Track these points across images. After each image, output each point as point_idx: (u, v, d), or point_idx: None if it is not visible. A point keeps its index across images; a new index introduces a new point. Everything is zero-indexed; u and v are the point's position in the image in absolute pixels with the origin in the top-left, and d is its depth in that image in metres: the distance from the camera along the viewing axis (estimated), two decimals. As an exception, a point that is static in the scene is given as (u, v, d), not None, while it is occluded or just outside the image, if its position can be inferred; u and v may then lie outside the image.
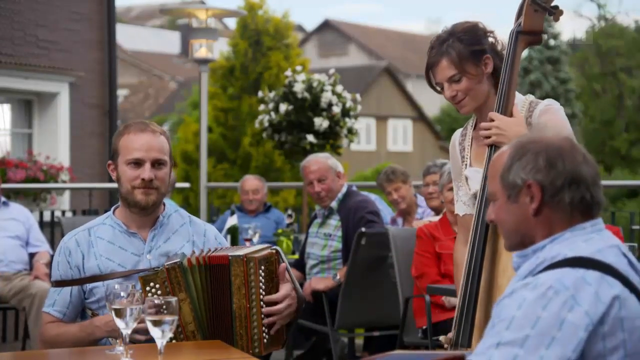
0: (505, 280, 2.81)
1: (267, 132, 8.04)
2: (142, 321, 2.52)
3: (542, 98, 3.04)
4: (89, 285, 3.11)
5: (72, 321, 3.17)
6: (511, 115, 2.92)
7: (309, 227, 5.91)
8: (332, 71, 8.18)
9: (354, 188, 5.94)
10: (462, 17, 3.12)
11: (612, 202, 19.01)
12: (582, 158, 2.06)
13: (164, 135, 3.16)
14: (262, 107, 8.18)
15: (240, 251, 3.00)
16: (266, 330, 3.01)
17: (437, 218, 5.18)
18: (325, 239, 5.68)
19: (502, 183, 2.10)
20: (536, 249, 2.08)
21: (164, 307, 2.43)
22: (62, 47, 9.41)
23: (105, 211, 3.38)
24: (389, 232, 5.14)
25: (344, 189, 5.72)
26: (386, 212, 6.46)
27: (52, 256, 6.18)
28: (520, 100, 3.00)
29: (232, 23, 32.19)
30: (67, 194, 9.25)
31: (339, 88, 7.97)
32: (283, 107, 7.83)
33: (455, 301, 2.96)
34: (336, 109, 7.85)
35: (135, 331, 2.69)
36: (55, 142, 9.32)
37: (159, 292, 2.93)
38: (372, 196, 6.36)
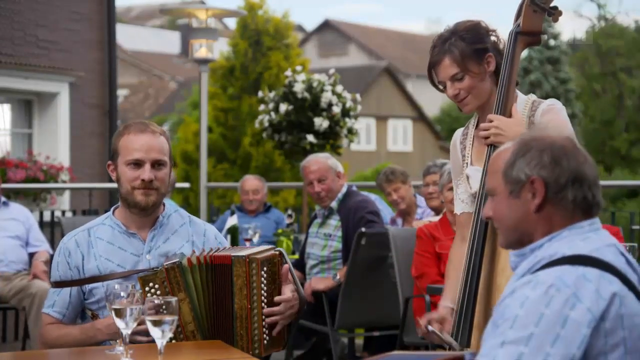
0: (504, 280, 2.81)
1: (267, 132, 8.04)
2: (142, 322, 2.52)
3: (543, 98, 3.05)
4: (88, 286, 3.11)
5: (72, 322, 3.17)
6: (510, 116, 2.93)
7: (309, 227, 5.91)
8: (332, 71, 8.18)
9: (354, 188, 5.94)
10: (462, 17, 3.13)
11: (612, 202, 19.01)
12: (583, 158, 2.08)
13: (164, 136, 3.16)
14: (262, 107, 8.18)
15: (243, 252, 2.99)
16: (267, 332, 3.00)
17: (437, 218, 5.18)
18: (325, 239, 5.68)
19: (505, 178, 2.10)
20: (534, 248, 2.09)
21: (164, 307, 2.43)
22: (62, 47, 9.41)
23: (105, 211, 3.38)
24: (389, 232, 5.14)
25: (344, 189, 5.72)
26: (386, 212, 6.46)
27: (51, 256, 6.19)
28: (523, 100, 3.01)
29: (232, 23, 32.21)
30: (67, 194, 9.25)
31: (339, 88, 7.97)
32: (283, 107, 7.83)
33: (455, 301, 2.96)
34: (336, 109, 7.85)
35: (135, 332, 2.69)
36: (55, 142, 9.33)
37: (158, 292, 2.93)
38: (372, 196, 6.36)
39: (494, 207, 2.15)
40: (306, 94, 7.83)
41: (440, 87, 3.06)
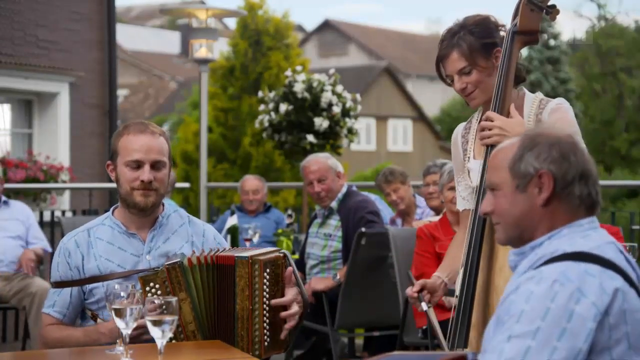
0: (502, 280, 2.81)
1: (267, 132, 8.04)
2: (142, 325, 2.51)
3: (545, 98, 3.06)
4: (88, 286, 3.11)
5: (72, 322, 3.16)
6: (508, 115, 2.93)
7: (309, 227, 5.91)
8: (332, 71, 8.19)
9: (354, 188, 5.94)
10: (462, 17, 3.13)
11: (612, 202, 19.01)
12: (587, 156, 2.10)
13: (164, 136, 3.15)
14: (262, 107, 8.18)
15: (247, 253, 2.99)
16: (268, 333, 2.99)
17: (436, 218, 5.18)
18: (325, 239, 5.68)
19: (511, 172, 2.10)
20: (534, 246, 2.09)
21: (164, 307, 2.43)
22: (62, 47, 9.41)
23: (105, 211, 3.38)
24: (389, 232, 5.14)
25: (344, 189, 5.72)
26: (386, 213, 6.46)
27: (50, 254, 6.21)
28: (530, 98, 3.02)
29: (232, 23, 32.20)
30: (67, 194, 9.25)
31: (339, 88, 7.97)
32: (283, 107, 7.83)
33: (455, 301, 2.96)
34: (336, 109, 7.85)
35: (140, 326, 2.68)
36: (55, 142, 9.33)
37: (159, 292, 2.93)
38: (372, 196, 6.36)
39: (495, 202, 2.15)
40: (306, 94, 7.83)
41: (448, 80, 3.06)
